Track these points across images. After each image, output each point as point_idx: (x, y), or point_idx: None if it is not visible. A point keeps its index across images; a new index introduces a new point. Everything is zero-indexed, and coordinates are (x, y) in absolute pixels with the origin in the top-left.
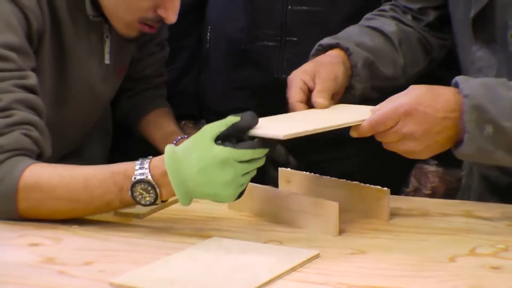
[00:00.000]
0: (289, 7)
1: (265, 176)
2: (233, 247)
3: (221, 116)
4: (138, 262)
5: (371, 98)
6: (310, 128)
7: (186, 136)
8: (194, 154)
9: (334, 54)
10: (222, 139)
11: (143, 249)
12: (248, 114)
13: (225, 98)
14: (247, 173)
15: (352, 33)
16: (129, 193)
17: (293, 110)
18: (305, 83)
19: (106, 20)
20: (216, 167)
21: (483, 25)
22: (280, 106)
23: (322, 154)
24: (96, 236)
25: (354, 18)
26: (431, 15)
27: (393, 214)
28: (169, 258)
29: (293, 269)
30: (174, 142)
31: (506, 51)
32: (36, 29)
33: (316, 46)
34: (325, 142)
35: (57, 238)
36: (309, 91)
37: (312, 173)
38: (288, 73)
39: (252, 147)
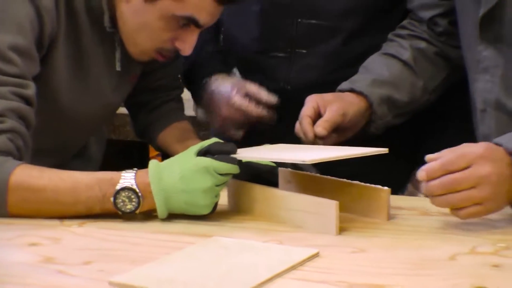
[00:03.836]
0: (299, 20)
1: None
2: (233, 246)
3: None
4: (137, 261)
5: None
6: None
7: None
8: (176, 164)
9: (353, 95)
10: (203, 154)
11: (142, 249)
12: (230, 143)
13: None
14: (220, 185)
15: (370, 67)
16: (112, 199)
17: (300, 122)
18: (318, 105)
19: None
20: (197, 173)
21: (491, 25)
22: (284, 114)
23: None
24: (95, 236)
25: (363, 32)
26: (442, 25)
27: (394, 213)
28: (168, 257)
29: (293, 267)
30: None
31: None
32: (49, 33)
33: (336, 91)
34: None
35: (56, 238)
36: (319, 114)
37: (312, 173)
38: (295, 84)
39: (231, 162)
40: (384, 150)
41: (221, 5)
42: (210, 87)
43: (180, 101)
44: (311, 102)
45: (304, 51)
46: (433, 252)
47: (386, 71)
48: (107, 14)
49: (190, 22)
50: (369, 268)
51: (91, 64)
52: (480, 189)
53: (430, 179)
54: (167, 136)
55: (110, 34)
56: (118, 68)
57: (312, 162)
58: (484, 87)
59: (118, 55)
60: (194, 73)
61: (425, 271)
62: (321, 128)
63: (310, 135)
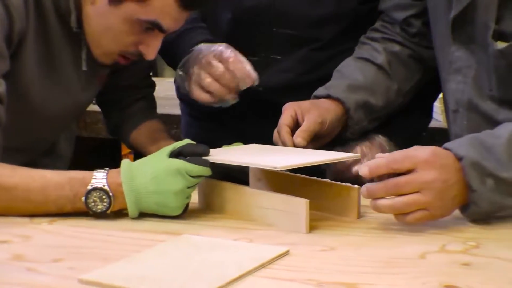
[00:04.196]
0: (274, 29)
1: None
2: (203, 244)
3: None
4: (107, 259)
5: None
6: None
7: None
8: (149, 165)
9: (330, 102)
10: (176, 155)
11: (112, 246)
12: (202, 145)
13: None
14: (191, 187)
15: (344, 72)
16: (83, 199)
17: (279, 131)
18: (296, 114)
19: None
20: (169, 175)
21: (463, 26)
22: (255, 114)
23: None
24: (65, 234)
25: (339, 40)
26: (416, 25)
27: (364, 211)
28: (138, 255)
29: (263, 266)
30: None
31: (486, 52)
32: (18, 31)
33: (312, 97)
34: None
35: (26, 236)
36: (297, 122)
37: (282, 171)
38: (266, 85)
39: (203, 165)
40: (356, 156)
41: (186, 11)
42: (200, 49)
43: (152, 99)
44: (289, 110)
45: (279, 57)
46: (403, 250)
47: (361, 75)
48: (74, 14)
49: (154, 26)
50: (339, 266)
51: (60, 63)
52: (424, 194)
53: (372, 175)
54: (139, 135)
55: (77, 34)
56: (84, 67)
57: (283, 169)
58: (456, 88)
59: (84, 55)
60: (182, 39)
61: (394, 270)
62: (300, 138)
63: (289, 144)
